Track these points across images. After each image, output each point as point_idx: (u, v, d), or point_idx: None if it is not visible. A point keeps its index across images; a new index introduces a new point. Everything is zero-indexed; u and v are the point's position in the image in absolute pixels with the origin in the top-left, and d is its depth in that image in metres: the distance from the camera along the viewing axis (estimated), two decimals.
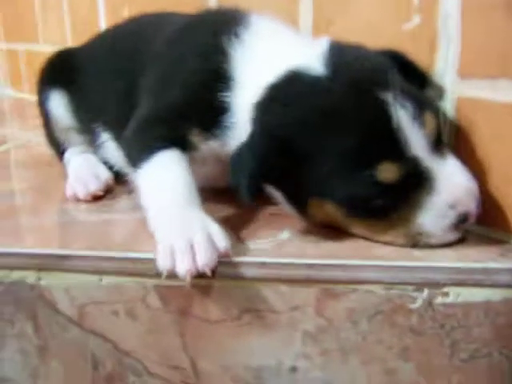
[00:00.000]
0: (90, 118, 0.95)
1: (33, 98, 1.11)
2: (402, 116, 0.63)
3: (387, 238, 0.67)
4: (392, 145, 0.63)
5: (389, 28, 0.77)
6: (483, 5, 0.66)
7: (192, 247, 0.62)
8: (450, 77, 0.71)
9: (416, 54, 0.72)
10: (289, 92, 0.68)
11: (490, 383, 0.64)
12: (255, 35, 0.75)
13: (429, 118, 0.64)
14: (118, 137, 0.87)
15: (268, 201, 0.76)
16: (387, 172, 0.62)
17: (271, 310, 0.65)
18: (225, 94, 0.73)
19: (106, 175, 0.92)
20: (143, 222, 0.71)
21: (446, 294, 0.62)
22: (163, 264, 0.62)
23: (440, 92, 0.73)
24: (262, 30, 0.76)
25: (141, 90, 0.82)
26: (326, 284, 0.64)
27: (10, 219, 0.81)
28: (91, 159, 0.97)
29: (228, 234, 0.66)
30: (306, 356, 0.66)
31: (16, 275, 0.69)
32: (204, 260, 0.61)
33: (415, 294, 0.63)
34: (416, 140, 0.63)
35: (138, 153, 0.74)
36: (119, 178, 0.92)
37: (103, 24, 1.42)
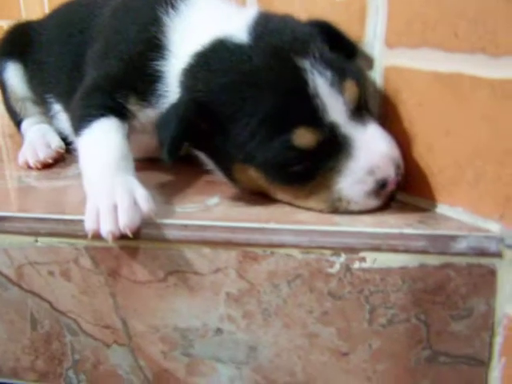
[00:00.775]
0: (43, 90, 0.99)
1: None
2: (320, 83, 0.64)
3: (309, 203, 0.69)
4: (309, 111, 0.64)
5: None
6: None
7: (115, 209, 0.64)
8: (378, 46, 0.72)
9: (348, 23, 0.73)
10: (212, 58, 0.70)
11: (409, 348, 0.65)
12: (191, 6, 0.78)
13: (349, 85, 0.65)
14: (68, 108, 0.89)
15: (205, 170, 0.78)
16: (303, 137, 0.63)
17: (195, 272, 0.67)
18: (159, 62, 0.75)
19: (56, 144, 0.96)
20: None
21: (363, 259, 0.63)
22: (89, 225, 0.65)
23: (369, 62, 0.73)
24: (198, 2, 0.78)
25: (88, 61, 0.85)
26: (246, 247, 0.65)
27: None
28: (45, 128, 1.01)
29: (157, 199, 0.68)
30: (230, 318, 0.68)
31: None
32: (125, 221, 0.63)
33: (333, 259, 0.64)
34: (334, 107, 0.64)
35: (79, 121, 0.77)
36: (72, 148, 0.95)
37: None
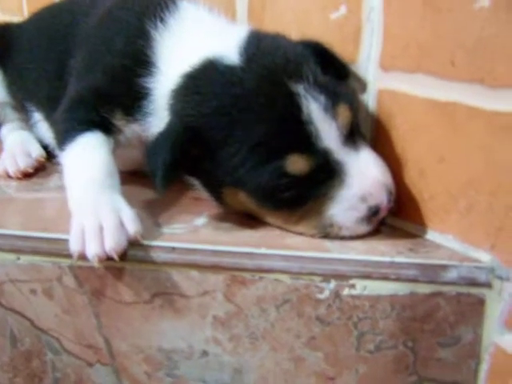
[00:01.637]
0: (23, 97, 0.95)
1: None
2: (313, 108, 0.62)
3: (299, 228, 0.68)
4: (302, 137, 0.62)
5: (316, 16, 0.77)
6: None
7: (102, 231, 0.63)
8: (372, 69, 0.71)
9: (341, 44, 0.72)
10: (203, 81, 0.68)
11: (396, 374, 0.65)
12: (180, 22, 0.75)
13: (342, 110, 0.64)
14: (49, 118, 0.87)
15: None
16: (296, 164, 0.62)
17: (182, 295, 0.66)
18: (146, 79, 0.73)
19: (37, 153, 0.93)
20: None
21: (353, 286, 0.63)
22: (74, 246, 0.63)
23: (362, 84, 0.72)
24: (187, 17, 0.76)
25: (70, 71, 0.81)
26: (234, 271, 0.64)
27: None
28: (25, 135, 0.97)
29: (143, 218, 0.66)
30: (216, 341, 0.67)
31: None
32: (111, 244, 0.62)
33: (323, 285, 0.63)
34: (327, 132, 0.63)
35: (63, 135, 0.74)
36: (53, 157, 0.92)
37: None
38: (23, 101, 0.96)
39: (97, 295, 0.67)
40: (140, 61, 0.73)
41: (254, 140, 0.63)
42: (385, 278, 0.63)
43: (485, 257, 0.62)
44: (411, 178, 0.68)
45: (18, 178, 0.87)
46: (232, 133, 0.64)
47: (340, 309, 0.64)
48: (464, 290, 0.62)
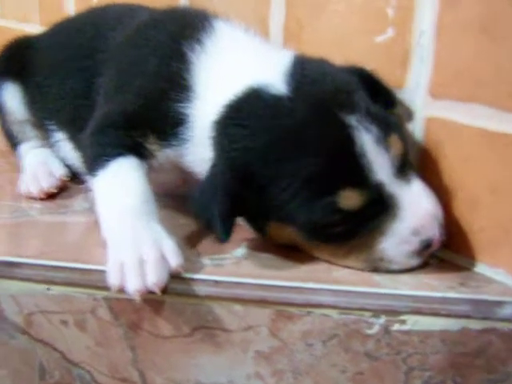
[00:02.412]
0: (44, 116, 0.91)
1: None
2: (366, 140, 0.60)
3: (347, 262, 0.65)
4: (355, 171, 0.60)
5: (361, 39, 0.74)
6: (459, 25, 0.63)
7: (142, 264, 0.60)
8: (421, 96, 0.69)
9: (387, 68, 0.69)
10: (248, 113, 0.64)
11: None
12: (218, 43, 0.71)
13: (394, 141, 0.62)
14: (74, 138, 0.83)
15: None
16: (349, 199, 0.60)
17: (224, 329, 0.63)
18: (183, 104, 0.69)
19: (60, 172, 0.89)
20: (97, 226, 0.68)
21: (404, 322, 0.61)
22: (113, 281, 0.60)
23: (408, 112, 0.70)
24: (225, 38, 0.72)
25: (98, 90, 0.77)
26: (281, 306, 0.62)
27: None
28: (47, 155, 0.93)
29: (182, 248, 0.64)
30: (258, 376, 0.65)
31: None
32: (154, 279, 0.59)
33: (372, 320, 0.61)
34: (380, 165, 0.60)
35: (94, 159, 0.70)
36: (75, 176, 0.89)
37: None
38: (44, 119, 0.91)
39: (133, 328, 0.65)
40: (176, 84, 0.69)
41: (306, 175, 0.60)
42: (436, 313, 0.61)
43: None
44: (460, 209, 0.66)
45: (41, 199, 0.84)
46: (282, 168, 0.61)
47: (389, 344, 0.62)
48: None
